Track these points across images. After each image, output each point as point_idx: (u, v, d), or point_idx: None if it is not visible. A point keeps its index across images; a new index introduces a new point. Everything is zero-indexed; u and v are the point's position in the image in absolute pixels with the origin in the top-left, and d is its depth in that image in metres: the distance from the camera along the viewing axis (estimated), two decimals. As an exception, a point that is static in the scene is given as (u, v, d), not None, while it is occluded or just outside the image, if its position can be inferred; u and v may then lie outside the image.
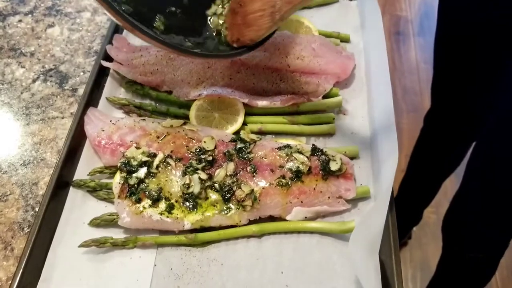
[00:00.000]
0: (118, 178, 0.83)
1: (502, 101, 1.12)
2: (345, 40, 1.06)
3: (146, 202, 0.80)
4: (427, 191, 1.91)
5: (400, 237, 2.12)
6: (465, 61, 1.33)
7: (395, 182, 1.92)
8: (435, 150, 1.71)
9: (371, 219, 0.74)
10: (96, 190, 0.84)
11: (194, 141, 0.87)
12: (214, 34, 0.89)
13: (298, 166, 0.82)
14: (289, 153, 0.84)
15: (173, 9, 0.86)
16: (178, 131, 0.88)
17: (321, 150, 0.84)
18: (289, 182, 0.81)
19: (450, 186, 2.01)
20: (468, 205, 1.34)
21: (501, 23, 1.15)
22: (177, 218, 0.79)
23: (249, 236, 0.80)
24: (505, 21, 1.13)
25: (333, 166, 0.82)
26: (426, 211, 2.05)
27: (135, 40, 1.04)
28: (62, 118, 0.97)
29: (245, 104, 0.93)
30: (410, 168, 1.86)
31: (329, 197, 0.81)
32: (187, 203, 0.80)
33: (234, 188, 0.81)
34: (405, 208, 1.96)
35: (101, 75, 0.97)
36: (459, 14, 1.25)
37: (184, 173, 0.83)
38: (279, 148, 0.85)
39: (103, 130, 0.88)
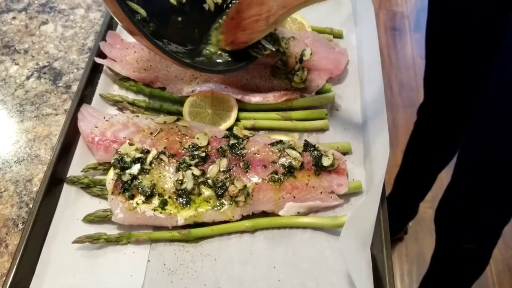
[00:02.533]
0: (111, 174, 0.83)
1: (490, 94, 1.13)
2: (338, 36, 1.07)
3: (140, 198, 0.80)
4: (421, 183, 1.92)
5: (396, 232, 2.14)
6: (455, 56, 1.34)
7: (391, 176, 1.93)
8: (428, 142, 1.72)
9: (362, 213, 0.75)
10: (90, 187, 0.84)
11: (187, 137, 0.87)
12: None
13: (290, 162, 0.83)
14: (281, 148, 0.84)
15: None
16: (171, 128, 0.88)
17: (314, 146, 0.85)
18: (282, 178, 0.82)
19: (446, 180, 2.03)
20: (459, 196, 1.35)
21: (491, 20, 1.15)
22: (171, 214, 0.80)
23: (242, 232, 0.80)
24: (495, 19, 1.14)
25: (326, 162, 0.83)
26: (422, 206, 2.06)
27: (128, 36, 1.04)
28: (56, 115, 0.97)
29: (238, 100, 0.94)
30: (405, 161, 1.87)
31: (321, 192, 0.82)
32: (180, 199, 0.81)
33: (227, 184, 0.81)
34: (401, 202, 1.97)
35: (94, 71, 0.97)
36: (449, 11, 1.26)
37: (177, 169, 0.83)
38: (272, 144, 0.85)
39: (97, 127, 0.88)
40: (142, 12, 0.82)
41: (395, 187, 1.95)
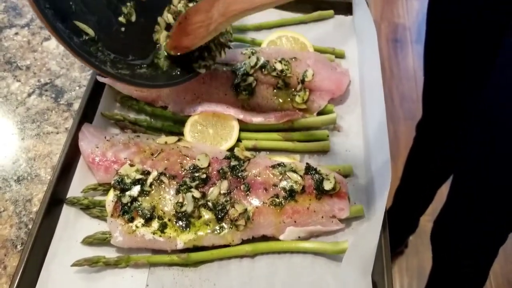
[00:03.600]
0: (111, 196, 0.83)
1: (491, 95, 1.11)
2: (340, 56, 1.06)
3: (139, 221, 0.80)
4: (422, 199, 1.92)
5: (396, 245, 2.14)
6: (454, 69, 1.33)
7: (392, 189, 1.92)
8: (428, 158, 1.72)
9: (364, 240, 0.75)
10: (90, 208, 0.84)
11: (188, 158, 0.87)
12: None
13: (291, 185, 0.82)
14: (283, 171, 0.84)
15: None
16: (172, 148, 0.88)
17: (315, 169, 0.84)
18: (283, 201, 0.81)
19: (446, 193, 2.03)
20: (460, 196, 1.34)
21: (492, 19, 1.15)
22: (170, 237, 0.79)
23: (242, 256, 0.80)
24: (496, 17, 1.13)
25: (327, 185, 0.82)
26: (423, 219, 2.06)
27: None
28: (57, 133, 0.97)
29: (239, 120, 0.93)
30: (405, 176, 1.86)
31: (322, 217, 0.81)
32: (180, 222, 0.80)
33: (228, 207, 0.81)
34: (401, 215, 1.96)
35: (96, 89, 0.97)
36: (449, 10, 1.26)
37: (178, 191, 0.82)
38: (273, 167, 0.85)
39: (98, 147, 0.88)
40: (90, 32, 0.81)
41: (395, 200, 1.94)
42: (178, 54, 0.90)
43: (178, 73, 0.91)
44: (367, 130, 0.94)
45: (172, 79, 0.90)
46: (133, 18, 0.89)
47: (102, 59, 0.82)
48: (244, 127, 0.94)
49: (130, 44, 0.88)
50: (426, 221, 2.12)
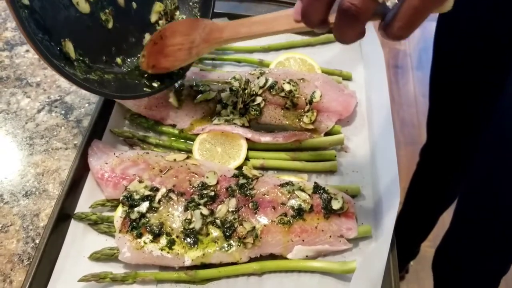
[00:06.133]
0: (120, 212, 0.83)
1: (502, 117, 1.11)
2: (347, 78, 1.08)
3: (147, 237, 0.80)
4: (424, 224, 1.91)
5: (397, 271, 2.10)
6: (460, 99, 1.34)
7: (393, 215, 1.92)
8: (432, 184, 1.72)
9: (373, 260, 0.75)
10: (97, 223, 0.84)
11: (196, 175, 0.87)
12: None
13: (300, 204, 0.83)
14: (291, 190, 0.84)
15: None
16: (181, 165, 0.88)
17: (323, 188, 0.85)
18: (291, 220, 0.81)
19: (448, 219, 2.02)
20: (459, 242, 1.33)
21: (499, 59, 1.16)
22: (178, 254, 0.79)
23: (249, 274, 0.79)
24: (503, 58, 1.14)
25: (335, 205, 0.82)
26: (424, 245, 2.05)
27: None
28: (66, 149, 0.98)
29: (248, 140, 0.94)
30: (407, 202, 1.86)
31: (330, 236, 0.81)
32: (188, 239, 0.80)
33: (236, 225, 0.81)
34: (402, 241, 1.95)
35: (106, 107, 0.98)
36: (454, 56, 1.27)
37: (186, 208, 0.83)
38: (281, 185, 0.85)
39: (107, 163, 0.88)
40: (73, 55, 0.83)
41: (396, 226, 1.93)
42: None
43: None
44: (374, 151, 0.94)
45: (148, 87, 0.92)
46: (110, 25, 0.91)
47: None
48: (252, 146, 0.95)
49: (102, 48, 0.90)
50: (427, 247, 2.11)
